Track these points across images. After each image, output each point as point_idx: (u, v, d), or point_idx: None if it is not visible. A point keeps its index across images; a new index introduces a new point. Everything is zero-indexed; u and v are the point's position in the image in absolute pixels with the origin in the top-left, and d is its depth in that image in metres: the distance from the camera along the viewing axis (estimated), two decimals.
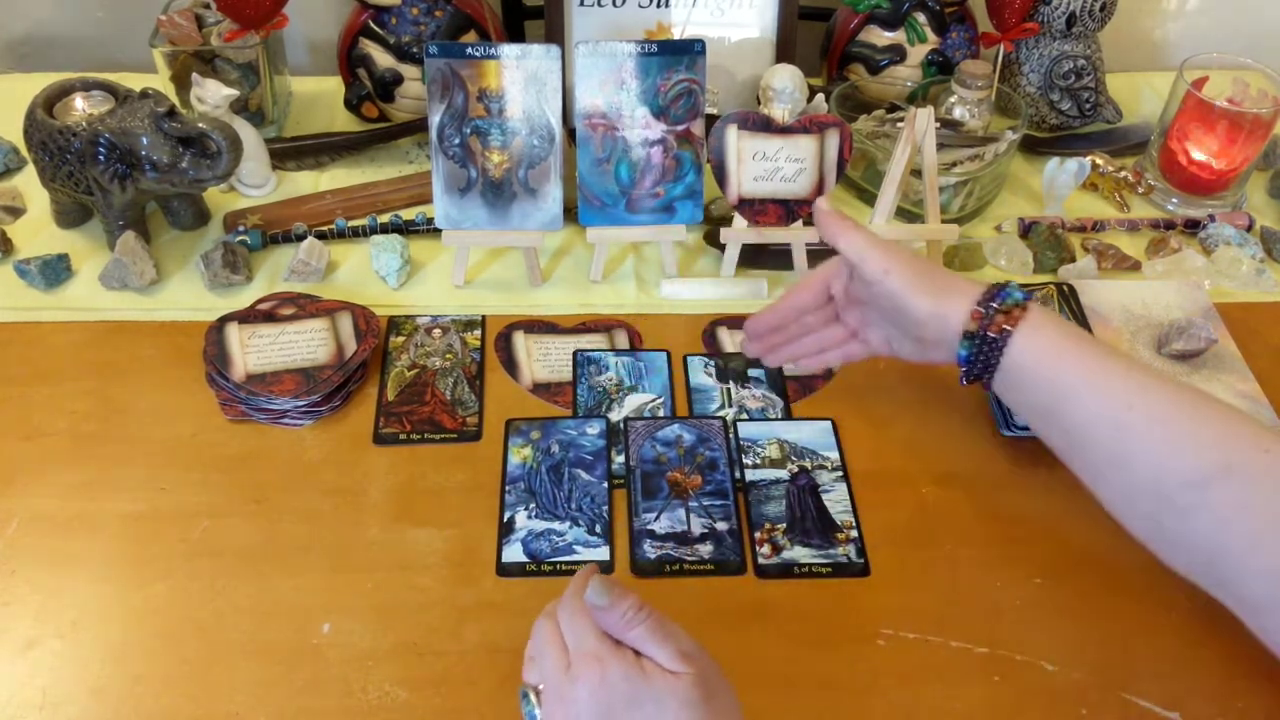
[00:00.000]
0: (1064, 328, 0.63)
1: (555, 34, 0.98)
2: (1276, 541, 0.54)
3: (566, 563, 0.69)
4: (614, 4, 0.99)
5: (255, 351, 0.80)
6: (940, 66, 1.05)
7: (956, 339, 0.64)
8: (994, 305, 0.63)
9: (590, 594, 0.51)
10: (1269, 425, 0.59)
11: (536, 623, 0.54)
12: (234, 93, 0.92)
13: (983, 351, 0.63)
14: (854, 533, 0.71)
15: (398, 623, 0.65)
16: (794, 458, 0.76)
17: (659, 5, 0.99)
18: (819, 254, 0.93)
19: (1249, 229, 0.98)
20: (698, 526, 0.71)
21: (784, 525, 0.72)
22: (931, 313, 0.65)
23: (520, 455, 0.76)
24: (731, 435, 0.78)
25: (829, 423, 0.79)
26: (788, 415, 0.80)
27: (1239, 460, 0.56)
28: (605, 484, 0.74)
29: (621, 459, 0.76)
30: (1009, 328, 0.62)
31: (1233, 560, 0.56)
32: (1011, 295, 0.63)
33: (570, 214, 0.91)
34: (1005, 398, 0.66)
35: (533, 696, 0.52)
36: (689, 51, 0.85)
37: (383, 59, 1.02)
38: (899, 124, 0.98)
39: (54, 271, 0.88)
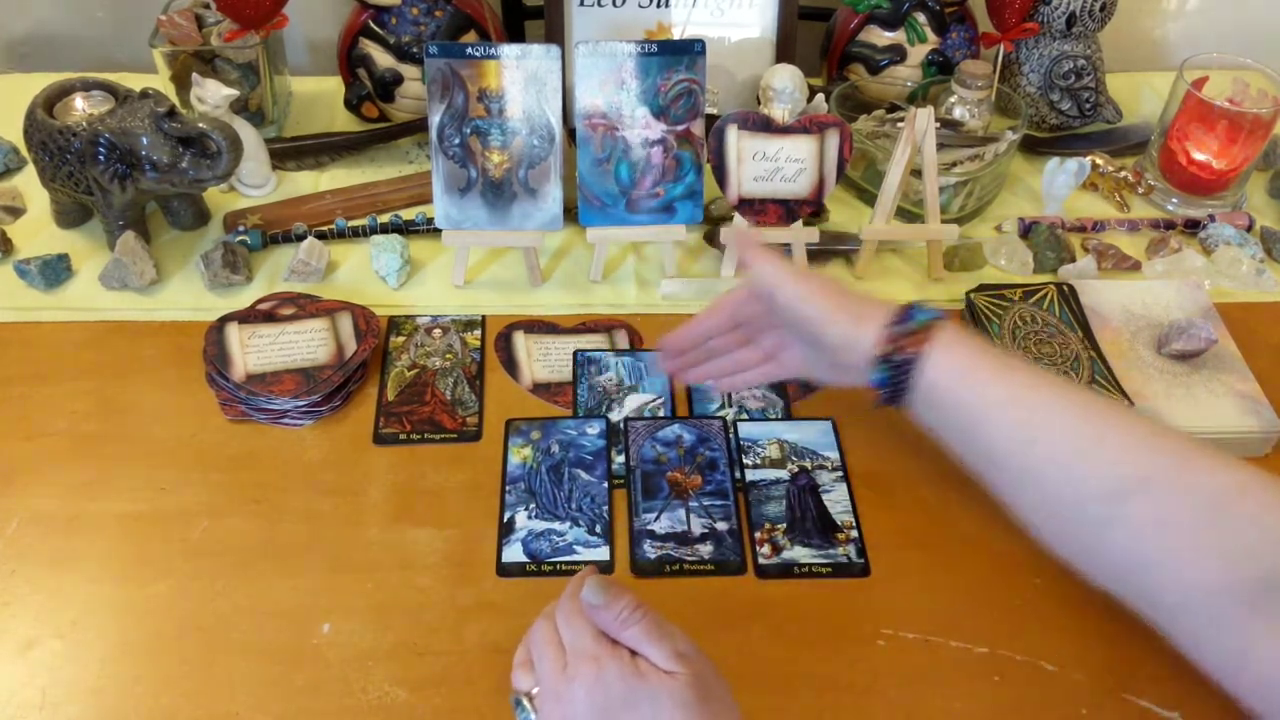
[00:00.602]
0: (975, 346, 0.62)
1: (555, 34, 0.98)
2: (1193, 554, 0.54)
3: (566, 563, 0.69)
4: (614, 4, 0.99)
5: (255, 351, 0.80)
6: (940, 66, 1.05)
7: (870, 363, 0.63)
8: (903, 328, 0.62)
9: (586, 593, 0.52)
10: (1186, 434, 0.58)
11: (534, 624, 0.54)
12: (234, 93, 0.92)
13: (895, 375, 0.63)
14: (854, 533, 0.71)
15: (397, 623, 0.65)
16: (794, 458, 0.76)
17: (659, 5, 0.99)
18: (819, 254, 0.93)
19: (1249, 229, 0.98)
20: (698, 526, 0.71)
21: (784, 525, 0.72)
22: (845, 338, 0.64)
23: (520, 455, 0.76)
24: (731, 435, 0.78)
25: (829, 423, 0.79)
26: (788, 415, 0.80)
27: (1156, 473, 0.56)
28: (605, 484, 0.74)
29: (621, 459, 0.76)
30: (919, 350, 0.62)
31: (1150, 573, 0.55)
32: (921, 316, 0.63)
33: (570, 214, 0.91)
34: (922, 419, 0.65)
35: (526, 702, 0.52)
36: (689, 51, 0.85)
37: (383, 59, 1.02)
38: (899, 124, 0.98)
39: (54, 271, 0.88)
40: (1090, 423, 0.58)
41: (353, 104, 1.05)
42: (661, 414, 0.79)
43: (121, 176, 0.83)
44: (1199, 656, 0.55)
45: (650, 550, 0.70)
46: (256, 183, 0.98)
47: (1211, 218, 0.97)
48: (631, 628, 0.51)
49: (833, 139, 0.86)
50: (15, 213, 0.95)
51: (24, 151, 0.95)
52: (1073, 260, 0.93)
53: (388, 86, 1.03)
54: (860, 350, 0.64)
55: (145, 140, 0.82)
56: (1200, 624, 0.54)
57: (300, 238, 0.91)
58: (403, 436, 0.77)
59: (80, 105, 0.88)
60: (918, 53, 1.05)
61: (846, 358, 0.65)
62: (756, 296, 0.69)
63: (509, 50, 0.83)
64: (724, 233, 0.66)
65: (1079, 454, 0.58)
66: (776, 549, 0.70)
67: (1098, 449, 0.57)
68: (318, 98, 1.12)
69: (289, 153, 1.02)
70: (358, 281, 0.90)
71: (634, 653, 0.51)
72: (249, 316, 0.83)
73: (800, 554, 0.70)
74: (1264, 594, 0.52)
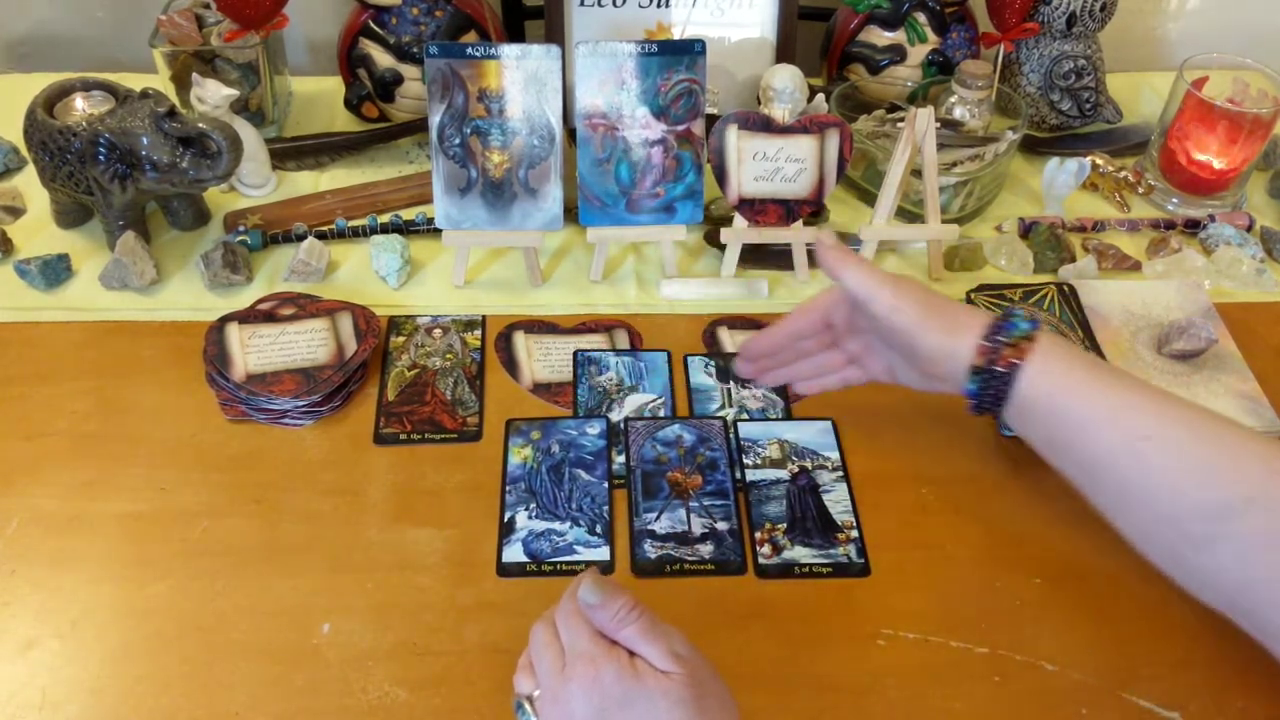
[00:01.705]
0: (1075, 358, 0.62)
1: (555, 34, 0.98)
2: None
3: (567, 563, 0.69)
4: (614, 4, 0.99)
5: (255, 351, 0.80)
6: (940, 66, 1.05)
7: (965, 373, 0.63)
8: (1001, 338, 0.62)
9: (583, 592, 0.52)
10: None
11: (533, 627, 0.54)
12: (234, 93, 0.92)
13: (991, 386, 0.62)
14: (854, 533, 0.71)
15: (398, 623, 0.65)
16: (794, 458, 0.76)
17: (659, 5, 0.99)
18: None
19: (1249, 229, 0.98)
20: (698, 526, 0.71)
21: (784, 525, 0.72)
22: (940, 348, 0.64)
23: (520, 455, 0.76)
24: (732, 435, 0.78)
25: (829, 423, 0.79)
26: (788, 415, 0.80)
27: (1260, 490, 0.54)
28: (606, 484, 0.74)
29: (622, 459, 0.76)
30: (1017, 361, 0.61)
31: (1258, 591, 0.54)
32: (1019, 326, 0.62)
33: (570, 214, 0.91)
34: (1017, 429, 0.65)
35: (527, 706, 0.52)
36: (689, 51, 0.85)
37: (383, 59, 1.02)
38: (899, 124, 0.98)
39: (54, 271, 0.88)
40: (1196, 438, 0.57)
41: (353, 104, 1.05)
42: (662, 414, 0.79)
43: (121, 176, 0.83)
44: None
45: (650, 550, 0.70)
46: (256, 183, 0.98)
47: (1211, 218, 0.97)
48: (628, 627, 0.51)
49: (833, 139, 0.86)
50: (15, 213, 0.95)
51: (24, 151, 0.95)
52: (1073, 260, 0.93)
53: (388, 86, 1.03)
54: (955, 361, 0.63)
55: (145, 140, 0.82)
56: None
57: (300, 238, 0.91)
58: (403, 436, 0.77)
59: (80, 105, 0.88)
60: (918, 53, 1.05)
61: (939, 368, 0.65)
62: (847, 302, 0.69)
63: (509, 50, 0.83)
64: (816, 239, 0.64)
65: (1185, 470, 0.56)
66: (777, 549, 0.70)
67: (1204, 465, 0.56)
68: (318, 98, 1.12)
69: (289, 153, 1.02)
70: (358, 281, 0.90)
71: (632, 653, 0.51)
72: (249, 316, 0.83)
73: (800, 554, 0.70)
74: None
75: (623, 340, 0.85)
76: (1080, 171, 0.97)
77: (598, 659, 0.50)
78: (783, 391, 0.81)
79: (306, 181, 1.01)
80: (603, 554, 0.70)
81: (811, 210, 0.89)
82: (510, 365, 0.83)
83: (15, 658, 0.63)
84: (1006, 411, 0.63)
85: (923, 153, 0.86)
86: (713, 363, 0.83)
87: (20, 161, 1.01)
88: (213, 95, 0.91)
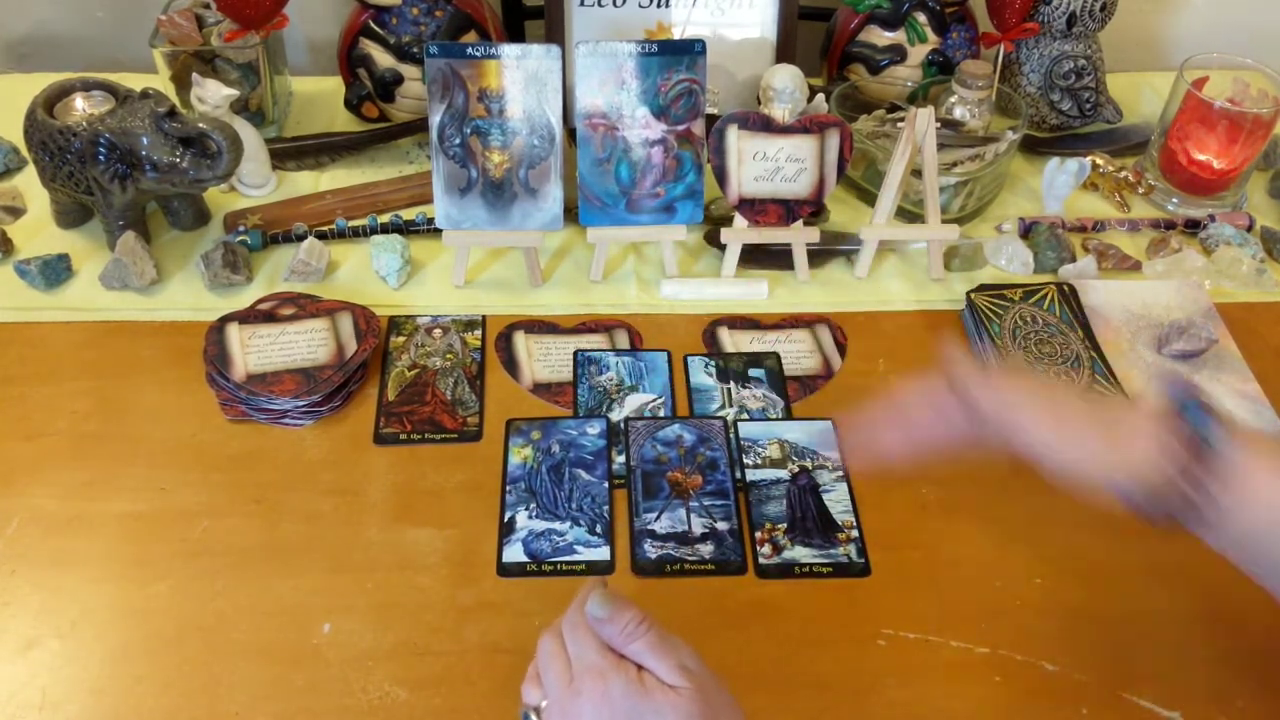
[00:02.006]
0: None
1: (555, 34, 0.98)
2: None
3: (567, 563, 0.69)
4: (614, 4, 0.98)
5: (255, 351, 0.80)
6: (940, 66, 1.05)
7: (1138, 488, 0.52)
8: (1193, 466, 0.51)
9: (591, 606, 0.51)
10: None
11: (541, 638, 0.54)
12: (234, 93, 0.92)
13: (1173, 506, 0.52)
14: (854, 533, 0.71)
15: (398, 623, 0.65)
16: (794, 458, 0.76)
17: (659, 5, 0.99)
18: (819, 254, 0.93)
19: (1249, 229, 0.98)
20: (698, 526, 0.71)
21: (785, 525, 0.72)
22: (1113, 475, 0.54)
23: (521, 455, 0.76)
24: (732, 435, 0.78)
25: (829, 423, 0.79)
26: (788, 415, 0.80)
27: None
28: (606, 484, 0.74)
29: (622, 459, 0.76)
30: (1212, 488, 0.50)
31: None
32: (1206, 433, 0.51)
33: (570, 214, 0.91)
34: (1226, 553, 0.53)
35: (534, 717, 0.52)
36: (689, 51, 0.85)
37: (383, 59, 1.02)
38: (899, 124, 0.98)
39: (54, 271, 0.88)
40: None
41: (353, 104, 1.05)
42: (662, 414, 0.79)
43: (121, 176, 0.83)
44: None
45: (651, 550, 0.70)
46: (256, 183, 0.98)
47: (1212, 218, 0.97)
48: (636, 641, 0.51)
49: (833, 139, 0.86)
50: (15, 213, 0.95)
51: (24, 151, 0.95)
52: (1073, 260, 0.93)
53: (388, 86, 1.03)
54: (1130, 474, 0.53)
55: (145, 140, 0.82)
56: None
57: (300, 238, 0.91)
58: (403, 436, 0.77)
59: (80, 105, 0.88)
60: (918, 53, 1.05)
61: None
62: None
63: (509, 50, 0.83)
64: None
65: None
66: (777, 549, 0.70)
67: None
68: (318, 98, 1.11)
69: (289, 153, 1.02)
70: (358, 281, 0.90)
71: (640, 667, 0.51)
72: (249, 316, 0.83)
73: (801, 554, 0.70)
74: None
75: (623, 340, 0.85)
76: (1080, 171, 0.97)
77: (606, 672, 0.50)
78: (783, 391, 0.81)
79: (306, 181, 1.01)
80: (603, 554, 0.70)
81: (811, 210, 0.89)
82: (510, 365, 0.83)
83: (15, 658, 0.63)
84: (1208, 535, 0.52)
85: (923, 153, 0.86)
86: (713, 363, 0.83)
87: (20, 161, 1.01)
88: (213, 95, 0.91)
